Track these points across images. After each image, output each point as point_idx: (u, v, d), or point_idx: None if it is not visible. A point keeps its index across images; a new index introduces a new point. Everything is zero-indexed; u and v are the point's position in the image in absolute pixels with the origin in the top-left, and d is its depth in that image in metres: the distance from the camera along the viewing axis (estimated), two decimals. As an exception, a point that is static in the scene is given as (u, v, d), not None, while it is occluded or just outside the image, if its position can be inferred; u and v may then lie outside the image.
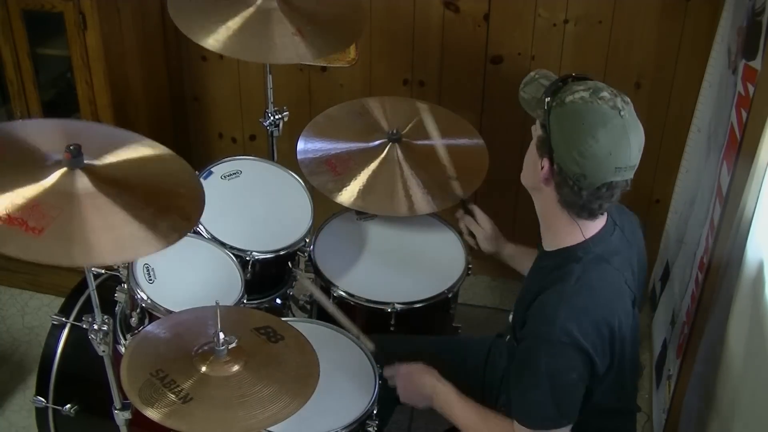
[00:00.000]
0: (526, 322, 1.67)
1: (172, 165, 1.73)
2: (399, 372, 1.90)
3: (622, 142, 1.55)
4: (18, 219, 1.45)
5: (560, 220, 1.67)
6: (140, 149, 1.72)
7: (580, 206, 1.62)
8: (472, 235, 2.15)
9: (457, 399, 1.82)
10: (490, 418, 1.77)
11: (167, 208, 1.61)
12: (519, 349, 1.68)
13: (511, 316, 1.88)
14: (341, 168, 2.23)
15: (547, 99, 1.60)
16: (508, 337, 1.89)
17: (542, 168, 1.62)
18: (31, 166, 1.56)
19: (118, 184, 1.58)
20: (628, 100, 1.59)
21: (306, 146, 2.29)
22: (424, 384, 1.87)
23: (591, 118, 1.55)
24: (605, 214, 1.69)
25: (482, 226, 2.12)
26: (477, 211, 2.14)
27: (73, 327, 2.17)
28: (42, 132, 1.70)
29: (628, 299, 1.69)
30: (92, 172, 1.56)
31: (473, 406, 1.80)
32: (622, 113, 1.55)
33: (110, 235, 1.50)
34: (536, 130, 1.66)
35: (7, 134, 1.66)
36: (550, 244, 1.73)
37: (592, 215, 1.64)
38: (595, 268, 1.65)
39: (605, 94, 1.57)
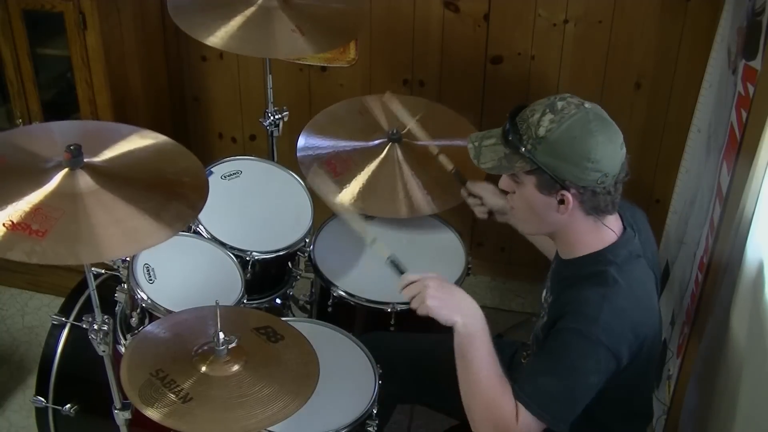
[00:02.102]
0: (563, 317, 1.61)
1: (173, 154, 1.74)
2: (427, 275, 1.69)
3: (607, 124, 1.59)
4: (21, 224, 1.46)
5: (585, 230, 1.66)
6: (139, 140, 1.73)
7: (610, 202, 1.63)
8: (478, 199, 2.13)
9: (489, 341, 1.63)
10: (506, 388, 1.60)
11: (171, 197, 1.61)
12: (550, 335, 1.62)
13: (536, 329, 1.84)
14: (341, 168, 2.23)
15: (523, 149, 1.59)
16: (527, 352, 1.87)
17: (562, 203, 1.61)
18: (33, 171, 1.56)
19: (120, 179, 1.59)
20: (569, 93, 1.62)
21: (306, 143, 2.29)
22: (464, 298, 1.66)
23: (576, 129, 1.56)
24: (618, 215, 1.69)
25: (483, 185, 2.11)
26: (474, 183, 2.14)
27: (73, 327, 2.17)
28: (40, 136, 1.70)
29: (656, 296, 1.71)
30: (93, 170, 1.57)
31: (497, 363, 1.63)
32: (585, 105, 1.59)
33: (116, 229, 1.51)
34: (519, 184, 1.64)
35: (6, 143, 1.66)
36: (571, 253, 1.71)
37: (615, 206, 1.65)
38: (629, 268, 1.65)
39: (560, 104, 1.59)
